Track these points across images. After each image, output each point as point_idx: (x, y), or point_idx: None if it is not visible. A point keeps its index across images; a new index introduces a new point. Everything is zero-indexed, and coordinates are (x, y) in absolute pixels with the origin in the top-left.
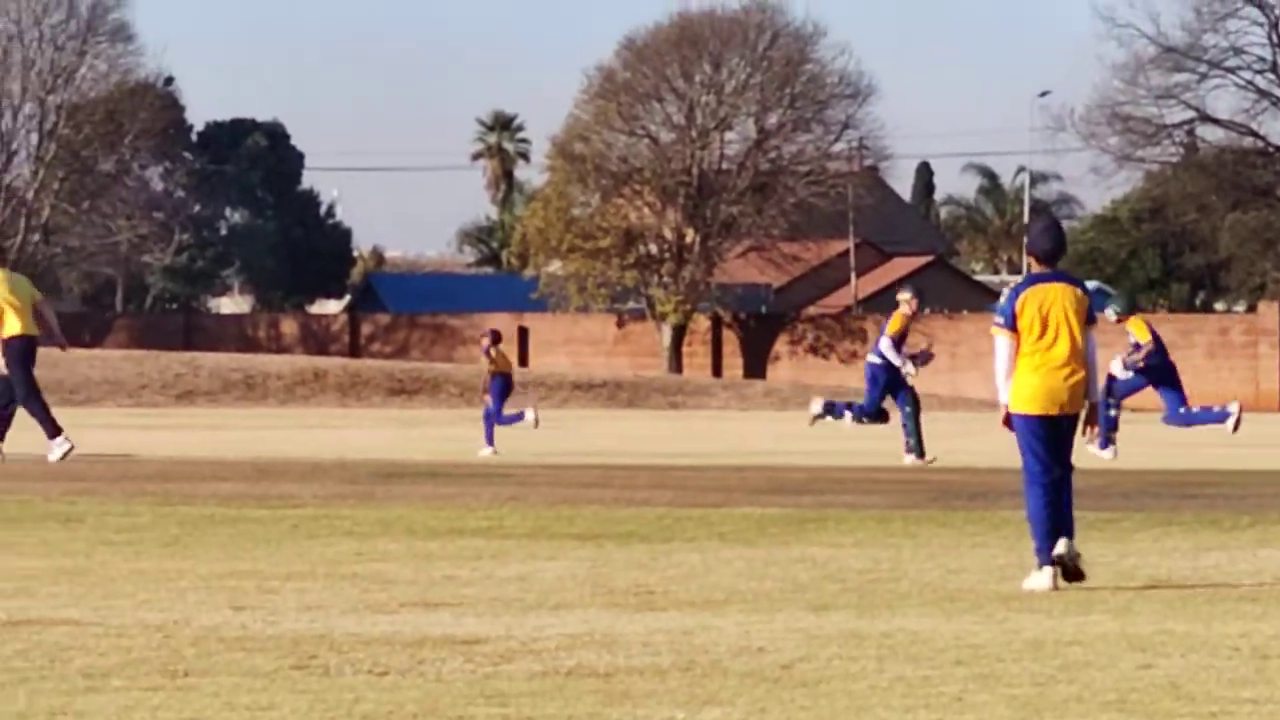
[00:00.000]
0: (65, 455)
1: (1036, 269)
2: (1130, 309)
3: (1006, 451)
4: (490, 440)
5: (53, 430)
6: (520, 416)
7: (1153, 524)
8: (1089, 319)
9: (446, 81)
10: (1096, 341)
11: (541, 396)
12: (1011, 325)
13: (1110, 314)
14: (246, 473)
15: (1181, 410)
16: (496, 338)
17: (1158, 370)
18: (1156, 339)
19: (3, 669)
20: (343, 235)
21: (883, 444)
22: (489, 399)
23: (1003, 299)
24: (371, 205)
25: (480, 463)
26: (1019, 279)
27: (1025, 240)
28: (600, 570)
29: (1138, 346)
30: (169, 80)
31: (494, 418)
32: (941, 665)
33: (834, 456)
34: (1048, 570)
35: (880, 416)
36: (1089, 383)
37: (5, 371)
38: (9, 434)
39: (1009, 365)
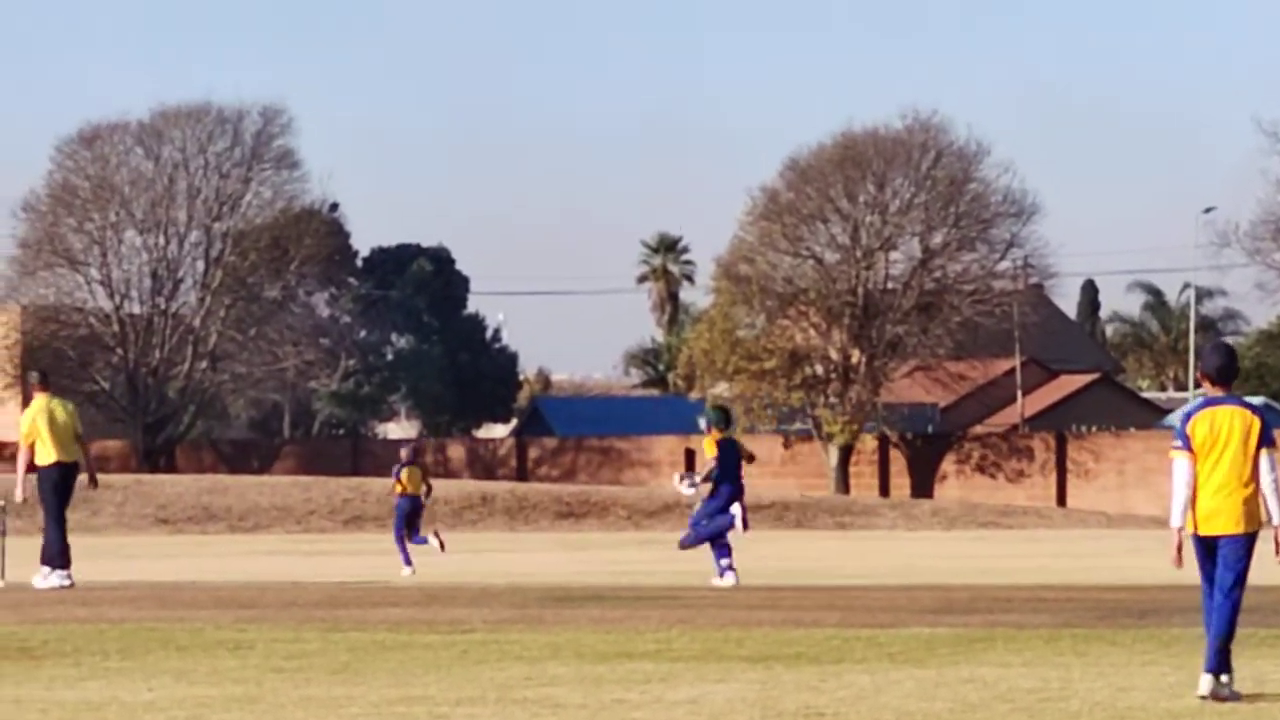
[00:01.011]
0: (52, 588)
1: (1210, 391)
2: (721, 424)
3: (1176, 569)
4: (407, 560)
5: (63, 560)
6: (424, 540)
7: None
8: (1264, 440)
9: (611, 204)
10: (1276, 461)
11: None
12: (1189, 447)
13: (701, 422)
14: (415, 598)
15: (701, 525)
16: (412, 457)
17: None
18: (727, 461)
19: None
20: (509, 359)
21: (1055, 561)
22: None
23: (1177, 422)
24: (537, 328)
25: (648, 585)
26: (1186, 395)
27: (1199, 362)
28: (770, 692)
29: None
30: (334, 206)
31: (399, 538)
32: None
33: (1001, 575)
34: (1206, 678)
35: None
36: (1266, 504)
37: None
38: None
39: (1186, 489)
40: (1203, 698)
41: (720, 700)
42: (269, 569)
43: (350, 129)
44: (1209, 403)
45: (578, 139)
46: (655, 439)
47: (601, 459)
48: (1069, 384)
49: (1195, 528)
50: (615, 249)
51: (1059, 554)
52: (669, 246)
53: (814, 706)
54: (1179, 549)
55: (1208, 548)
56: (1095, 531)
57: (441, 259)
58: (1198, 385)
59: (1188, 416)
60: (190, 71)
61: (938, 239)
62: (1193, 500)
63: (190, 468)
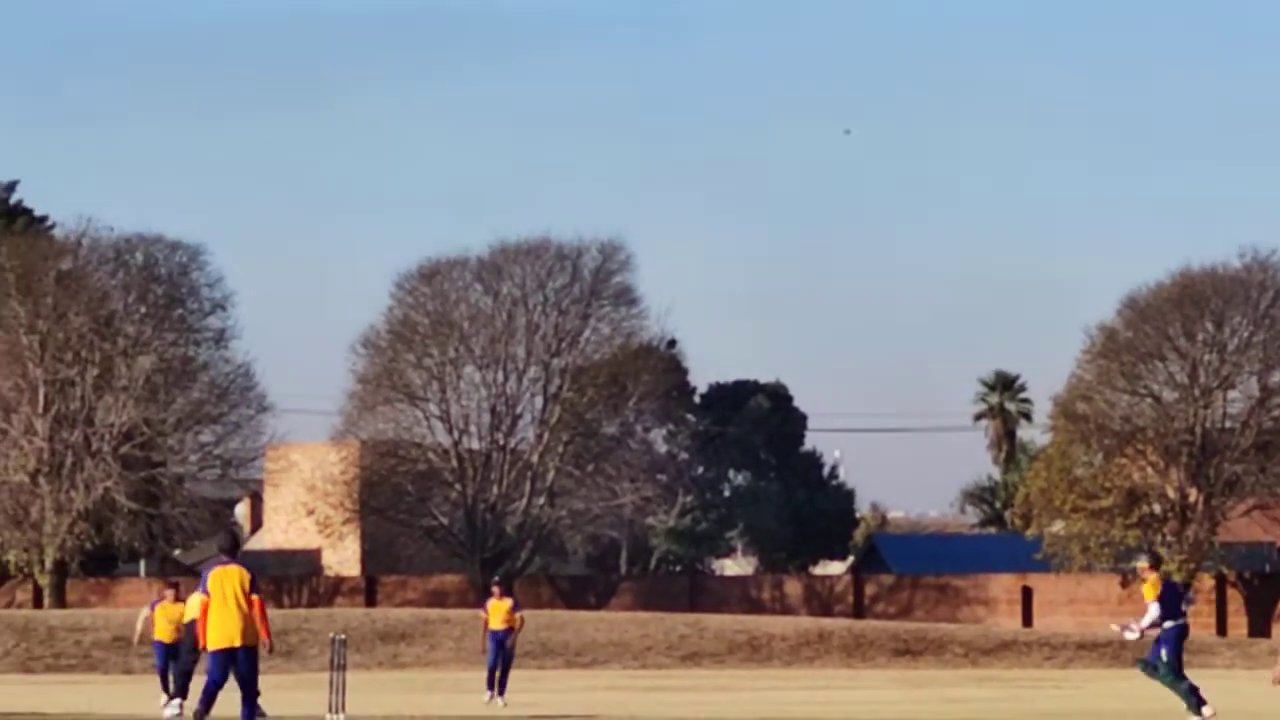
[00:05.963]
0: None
1: None
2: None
3: None
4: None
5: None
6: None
7: None
8: None
9: (948, 342)
10: None
11: (1046, 656)
12: None
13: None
14: None
15: None
16: (164, 594)
17: None
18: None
19: None
20: (845, 496)
21: None
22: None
23: None
24: (874, 465)
25: None
26: None
27: None
28: None
29: None
30: (672, 343)
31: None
32: None
33: None
34: None
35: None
36: None
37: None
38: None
39: None
40: None
41: None
42: (605, 702)
43: (688, 265)
44: None
45: (913, 277)
46: (992, 577)
47: (938, 596)
48: None
49: None
50: (952, 387)
51: None
52: (1006, 385)
53: None
54: None
55: None
56: None
57: (779, 396)
58: None
59: None
60: (530, 209)
61: (1276, 378)
62: None
63: (528, 603)
